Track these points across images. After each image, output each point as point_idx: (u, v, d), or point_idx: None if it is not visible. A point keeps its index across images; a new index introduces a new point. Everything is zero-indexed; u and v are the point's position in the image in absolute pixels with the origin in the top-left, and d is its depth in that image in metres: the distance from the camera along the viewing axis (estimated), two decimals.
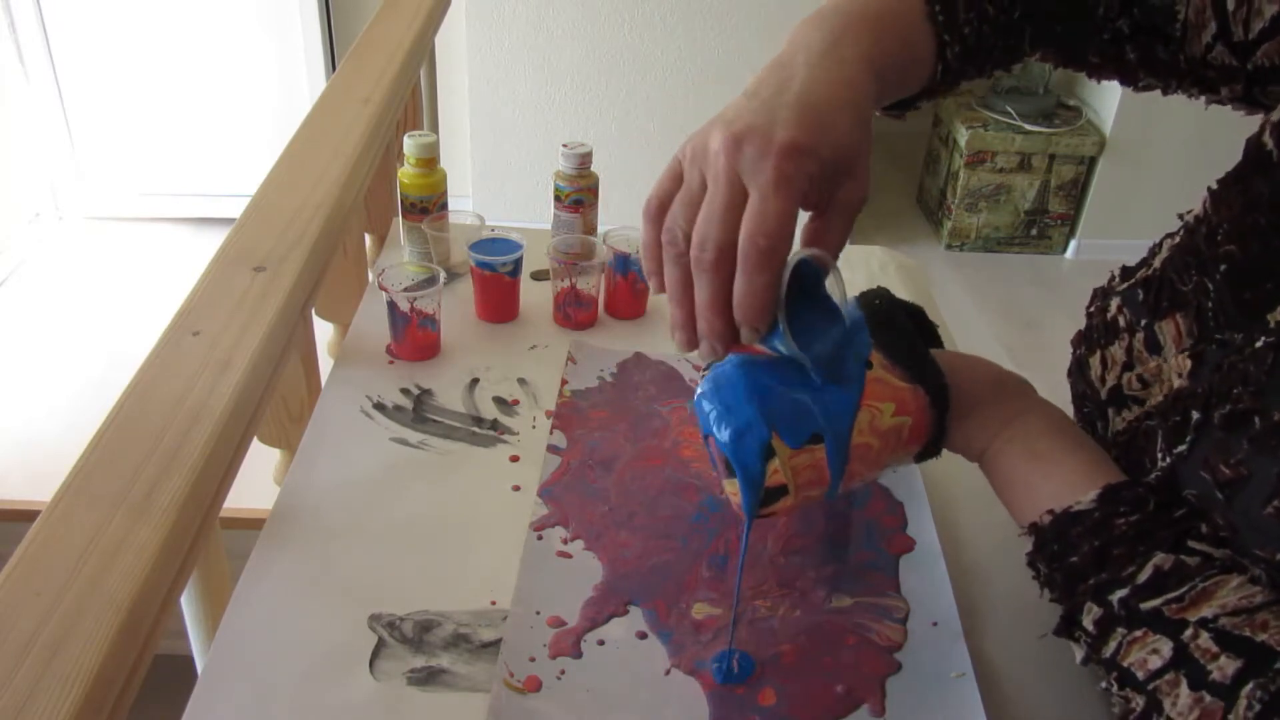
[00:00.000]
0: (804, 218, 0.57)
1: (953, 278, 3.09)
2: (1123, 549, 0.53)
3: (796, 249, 0.54)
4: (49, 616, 0.56)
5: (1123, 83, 0.68)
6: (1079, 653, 0.57)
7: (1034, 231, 3.21)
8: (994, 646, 0.75)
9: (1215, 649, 0.48)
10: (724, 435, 0.60)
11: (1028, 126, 3.02)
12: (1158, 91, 0.67)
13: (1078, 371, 0.70)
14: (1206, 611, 0.49)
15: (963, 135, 3.04)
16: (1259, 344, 0.53)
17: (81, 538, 0.61)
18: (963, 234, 3.20)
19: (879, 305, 0.63)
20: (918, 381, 0.60)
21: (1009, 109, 3.05)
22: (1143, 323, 0.63)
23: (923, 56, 0.59)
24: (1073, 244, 3.22)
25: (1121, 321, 0.65)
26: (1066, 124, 3.05)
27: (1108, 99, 3.05)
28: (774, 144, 0.50)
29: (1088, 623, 0.54)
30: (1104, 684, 0.54)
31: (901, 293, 1.21)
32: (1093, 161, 3.08)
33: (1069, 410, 0.72)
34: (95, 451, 0.67)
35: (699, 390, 0.63)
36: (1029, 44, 0.64)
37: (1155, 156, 3.06)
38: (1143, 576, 0.52)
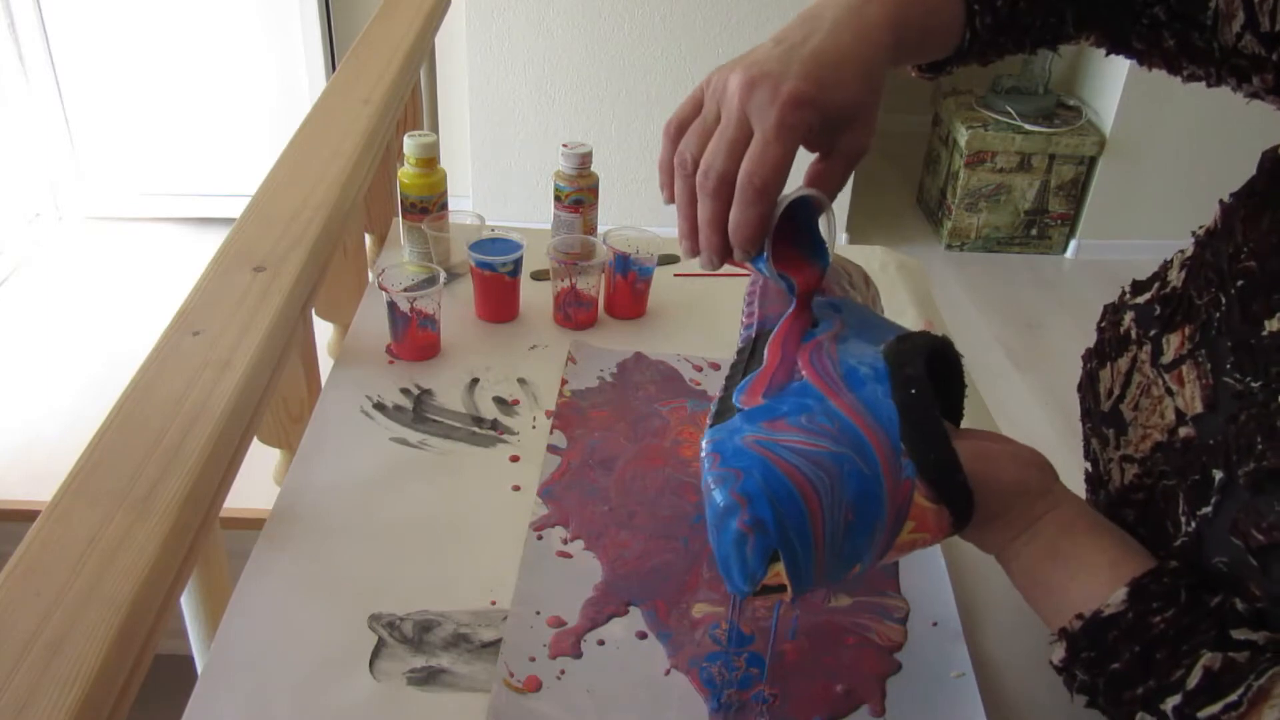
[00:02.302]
0: (810, 158, 0.61)
1: (953, 278, 3.09)
2: (1165, 651, 0.51)
3: (798, 186, 0.59)
4: (49, 616, 0.56)
5: (1169, 71, 0.68)
6: None
7: (1034, 231, 3.21)
8: (994, 646, 0.75)
9: None
10: (724, 533, 0.55)
11: (1028, 126, 3.02)
12: (1177, 90, 0.67)
13: (1088, 386, 0.69)
14: (1270, 715, 0.47)
15: (963, 135, 3.04)
16: None
17: (81, 537, 0.61)
18: (963, 234, 3.20)
19: (915, 399, 0.56)
20: (943, 503, 0.55)
21: (1009, 109, 3.05)
22: (1151, 334, 0.62)
23: (949, 23, 0.62)
24: (1073, 244, 3.22)
25: (1133, 334, 0.64)
26: (1066, 124, 3.05)
27: (1108, 99, 3.05)
28: (781, 92, 0.54)
29: None
30: None
31: (902, 292, 1.22)
32: (1093, 161, 3.08)
33: (1075, 426, 0.71)
34: (95, 451, 0.67)
35: (707, 453, 0.57)
36: (1073, 25, 0.65)
37: (1155, 156, 3.06)
38: (1193, 681, 0.49)
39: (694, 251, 0.60)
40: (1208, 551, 0.54)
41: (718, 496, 0.54)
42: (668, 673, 0.70)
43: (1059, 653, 0.55)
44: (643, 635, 0.73)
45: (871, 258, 1.29)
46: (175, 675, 0.78)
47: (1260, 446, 0.51)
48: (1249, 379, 0.54)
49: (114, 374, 1.02)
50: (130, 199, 3.05)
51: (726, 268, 0.61)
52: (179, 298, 0.84)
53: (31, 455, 2.14)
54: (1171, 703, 0.50)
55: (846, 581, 0.78)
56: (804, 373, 0.59)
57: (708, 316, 1.13)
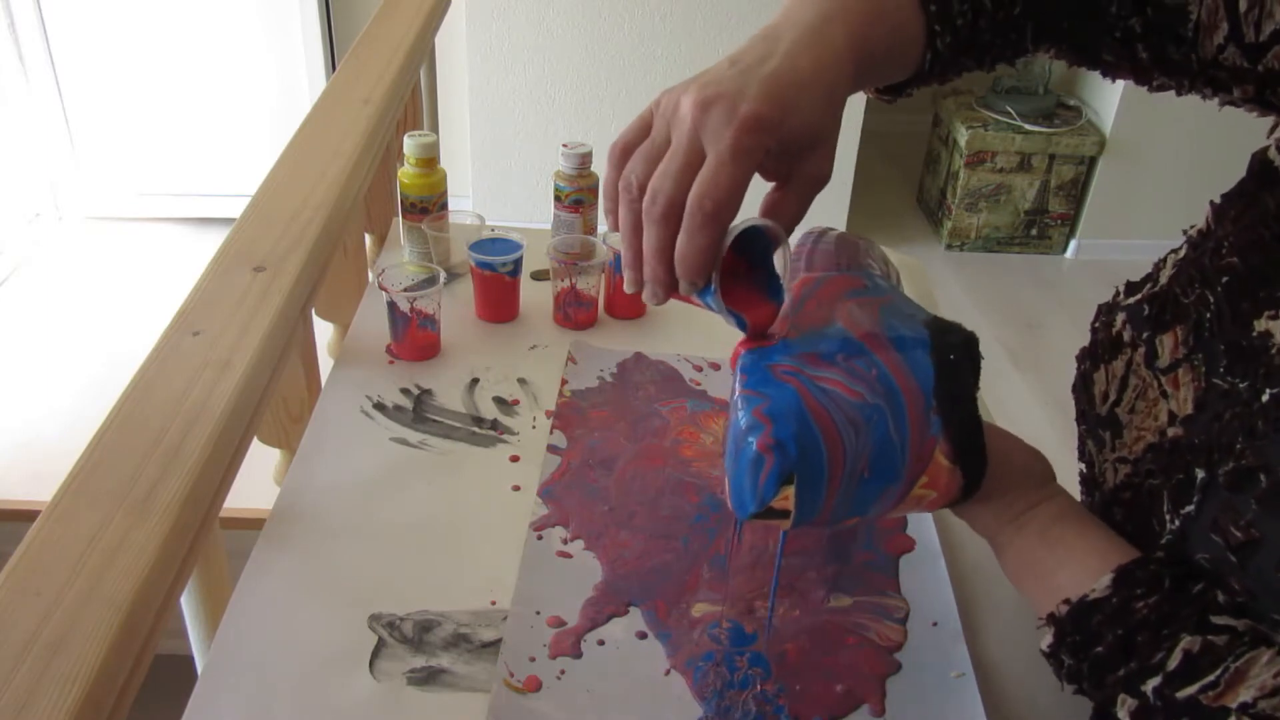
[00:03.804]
0: (765, 189, 0.58)
1: (953, 278, 3.09)
2: (1147, 635, 0.52)
3: (750, 216, 0.56)
4: (49, 616, 0.56)
5: (1137, 82, 0.67)
6: None
7: (1034, 231, 3.21)
8: (994, 646, 0.75)
9: None
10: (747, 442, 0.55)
11: (1028, 126, 3.02)
12: (1170, 92, 0.66)
13: (1081, 387, 0.69)
14: (1245, 695, 0.48)
15: (963, 135, 3.04)
16: (1265, 398, 0.52)
17: (81, 538, 0.61)
18: (963, 234, 3.20)
19: (952, 362, 0.56)
20: (959, 464, 0.56)
21: (1009, 109, 3.05)
22: (1144, 336, 0.62)
23: (911, 43, 0.59)
24: (1072, 244, 3.22)
25: (1125, 336, 0.65)
26: (1066, 124, 3.05)
27: (1108, 99, 3.05)
28: (738, 114, 0.51)
29: (1123, 715, 0.53)
30: None
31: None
32: (1093, 161, 3.08)
33: (1070, 427, 0.71)
34: (95, 451, 0.67)
35: (744, 366, 0.58)
36: (1031, 40, 0.63)
37: (1155, 156, 3.06)
38: (1173, 663, 0.51)
39: (637, 283, 0.56)
40: (1191, 549, 0.54)
41: (741, 415, 0.54)
42: (667, 673, 0.70)
43: (1047, 638, 0.56)
44: (643, 635, 0.73)
45: None
46: (175, 675, 0.78)
47: (1240, 445, 0.52)
48: (1238, 380, 0.55)
49: (114, 374, 1.02)
50: (130, 199, 3.05)
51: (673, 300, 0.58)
52: (179, 298, 0.84)
53: (31, 455, 2.14)
54: (1151, 684, 0.51)
55: (845, 551, 0.79)
56: (844, 322, 0.59)
57: (708, 316, 1.13)
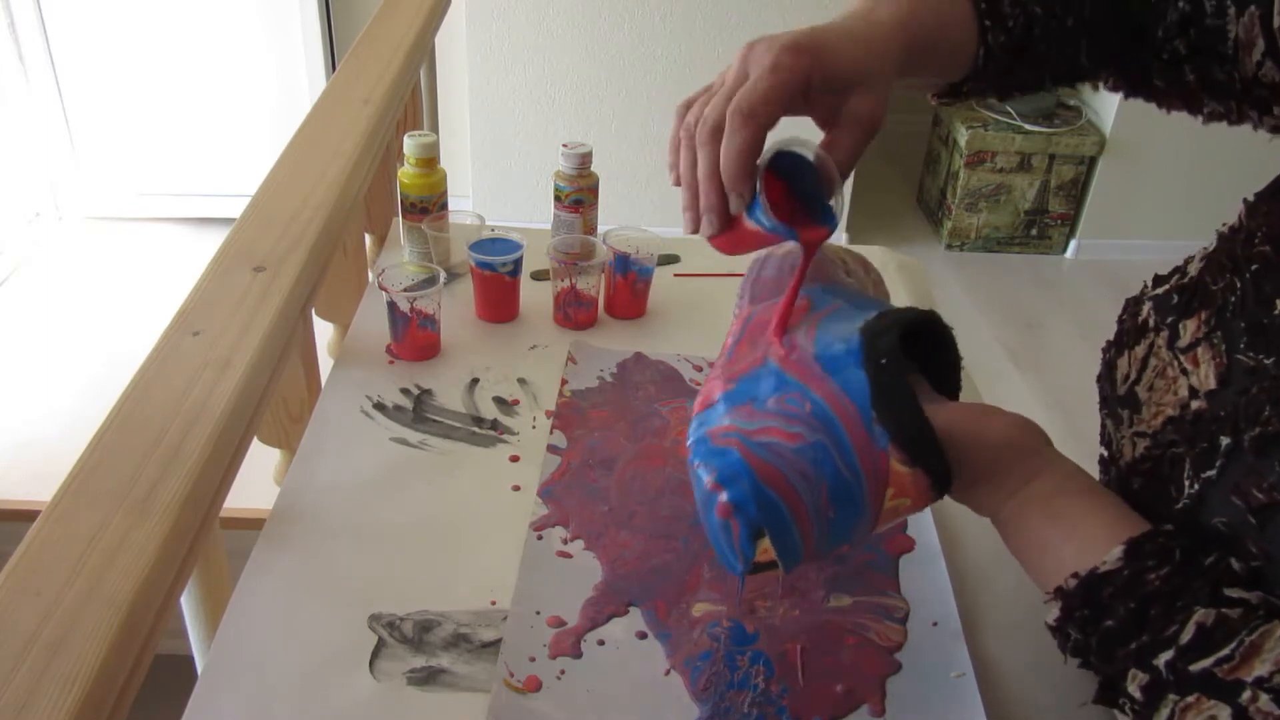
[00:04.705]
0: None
1: (953, 278, 3.09)
2: (1159, 607, 0.52)
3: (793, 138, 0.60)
4: (49, 616, 0.56)
5: (1190, 111, 0.69)
6: None
7: (1034, 231, 3.21)
8: (994, 646, 0.75)
9: (1277, 710, 0.47)
10: (709, 513, 0.57)
11: (1028, 126, 3.02)
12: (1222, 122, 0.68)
13: (1106, 375, 0.69)
14: (1260, 669, 0.48)
15: (963, 135, 3.04)
16: None
17: (81, 538, 0.61)
18: (963, 234, 3.20)
19: (884, 368, 0.57)
20: (919, 466, 0.56)
21: (1009, 109, 3.05)
22: (1169, 321, 0.63)
23: (960, 38, 0.64)
24: (1073, 244, 3.22)
25: (1150, 322, 0.65)
26: (1066, 124, 3.05)
27: (1108, 99, 3.05)
28: (779, 40, 0.58)
29: (1133, 689, 0.53)
30: None
31: (901, 293, 1.22)
32: (1093, 161, 3.08)
33: (1075, 425, 0.71)
34: (95, 451, 0.67)
35: (692, 442, 0.60)
36: (1088, 58, 0.67)
37: (1155, 156, 3.06)
38: (1186, 636, 0.50)
39: (695, 223, 0.60)
40: (1208, 513, 0.55)
41: (697, 490, 0.58)
42: (668, 673, 0.70)
43: (1053, 612, 0.56)
44: (643, 635, 0.73)
45: (871, 258, 1.28)
46: (175, 675, 0.78)
47: (1268, 413, 0.52)
48: (1262, 356, 0.55)
49: (114, 374, 1.02)
50: (130, 199, 3.05)
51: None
52: (179, 298, 0.84)
53: (31, 455, 2.14)
54: (1164, 657, 0.51)
55: (843, 554, 0.79)
56: (776, 354, 0.60)
57: (708, 316, 1.13)
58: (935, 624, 0.75)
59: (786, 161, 0.60)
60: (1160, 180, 3.10)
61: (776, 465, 0.55)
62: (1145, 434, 0.62)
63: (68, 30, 2.80)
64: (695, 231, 0.61)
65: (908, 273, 1.27)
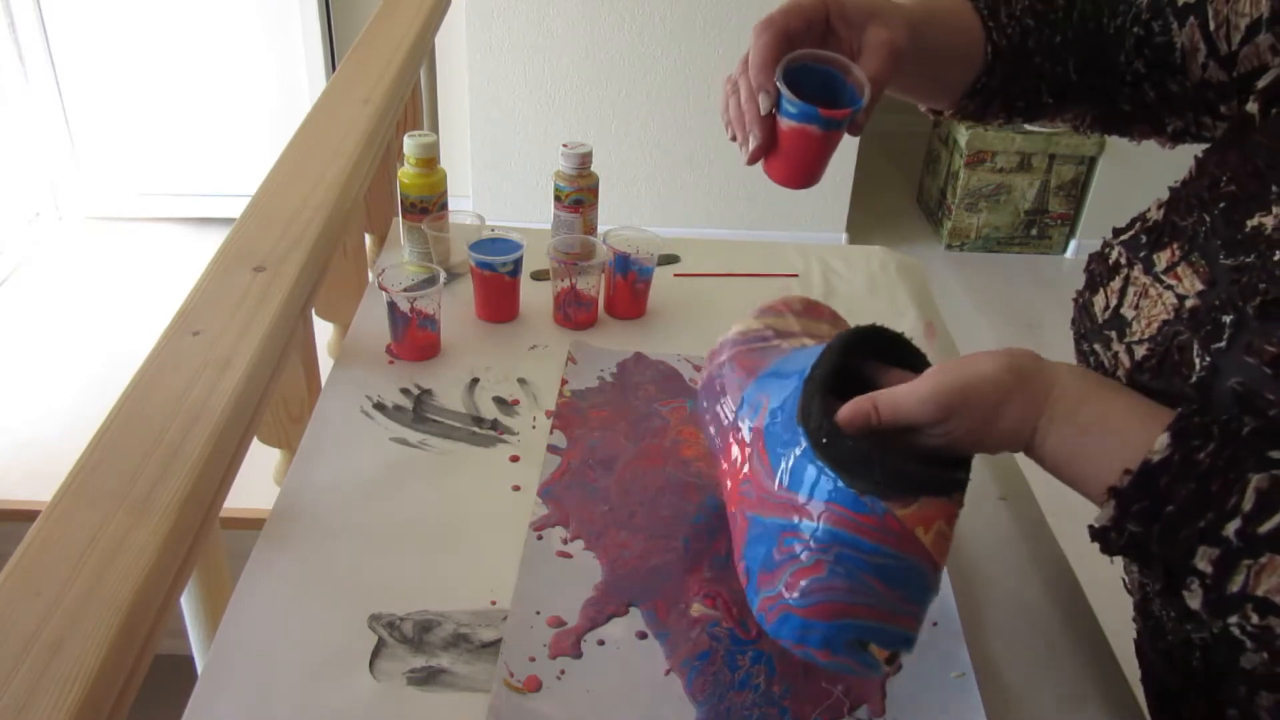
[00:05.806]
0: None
1: (953, 278, 3.09)
2: (1218, 483, 0.53)
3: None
4: (49, 616, 0.56)
5: (1156, 133, 0.79)
6: (1194, 600, 0.55)
7: (1034, 231, 3.21)
8: (994, 646, 0.75)
9: None
10: None
11: (1028, 126, 3.02)
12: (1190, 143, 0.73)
13: (1083, 315, 0.70)
14: None
15: (963, 135, 3.04)
16: (1277, 256, 0.56)
17: (81, 538, 0.61)
18: (963, 234, 3.20)
19: (827, 445, 0.59)
20: (923, 494, 0.57)
21: None
22: (1141, 255, 0.65)
23: (961, 11, 0.71)
24: (1073, 244, 3.22)
25: (1122, 260, 0.67)
26: None
27: None
28: None
29: (1203, 565, 0.54)
30: (1224, 623, 0.54)
31: (902, 293, 1.22)
32: (1093, 161, 3.08)
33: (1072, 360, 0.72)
34: (95, 451, 0.67)
35: (759, 621, 0.63)
36: (1075, 71, 0.75)
37: (1155, 156, 3.03)
38: (1248, 504, 0.52)
39: (746, 148, 0.68)
40: (1222, 380, 0.57)
41: (799, 657, 0.61)
42: (668, 673, 0.70)
43: (1108, 513, 0.56)
44: (643, 635, 0.73)
45: (871, 258, 1.29)
46: (175, 675, 0.78)
47: (1264, 286, 0.55)
48: (1243, 257, 0.58)
49: (114, 374, 1.02)
50: (130, 199, 3.05)
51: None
52: (179, 298, 0.84)
53: (31, 455, 2.14)
54: (1232, 528, 0.52)
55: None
56: (749, 506, 0.64)
57: (708, 316, 1.13)
58: (935, 624, 0.75)
59: (817, 79, 0.67)
60: (1160, 180, 3.05)
61: (826, 600, 0.58)
62: (1142, 340, 0.63)
63: (68, 30, 2.80)
64: (751, 161, 0.68)
65: (908, 273, 1.27)
